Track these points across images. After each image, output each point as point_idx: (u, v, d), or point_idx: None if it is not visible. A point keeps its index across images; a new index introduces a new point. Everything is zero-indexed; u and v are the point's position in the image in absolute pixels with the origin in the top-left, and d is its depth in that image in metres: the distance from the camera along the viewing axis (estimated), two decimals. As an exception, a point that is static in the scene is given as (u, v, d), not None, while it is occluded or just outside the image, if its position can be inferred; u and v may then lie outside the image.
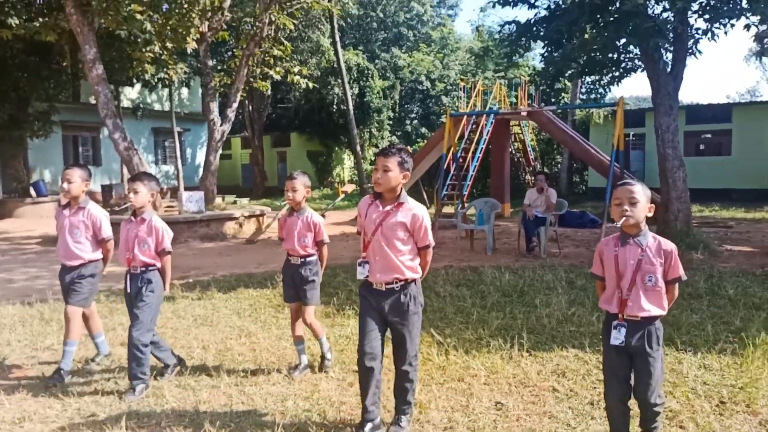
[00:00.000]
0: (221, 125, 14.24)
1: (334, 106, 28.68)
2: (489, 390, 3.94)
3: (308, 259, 4.35)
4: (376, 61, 34.82)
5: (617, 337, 2.90)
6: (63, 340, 4.28)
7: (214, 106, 14.20)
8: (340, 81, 27.20)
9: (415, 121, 36.56)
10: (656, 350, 2.89)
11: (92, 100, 25.42)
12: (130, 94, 27.20)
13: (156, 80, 19.96)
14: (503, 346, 4.71)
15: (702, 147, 23.02)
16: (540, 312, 5.72)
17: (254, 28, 13.17)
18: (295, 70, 14.91)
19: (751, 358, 4.26)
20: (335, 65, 27.80)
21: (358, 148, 27.06)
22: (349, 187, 14.47)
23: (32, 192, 20.57)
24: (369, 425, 3.26)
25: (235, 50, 14.99)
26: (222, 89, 15.30)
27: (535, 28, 10.41)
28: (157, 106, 28.17)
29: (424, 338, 4.92)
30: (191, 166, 29.96)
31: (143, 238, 3.94)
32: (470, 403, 3.72)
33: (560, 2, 10.34)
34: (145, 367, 3.89)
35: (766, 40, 25.72)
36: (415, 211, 3.27)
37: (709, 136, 22.46)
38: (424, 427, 3.41)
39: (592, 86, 12.61)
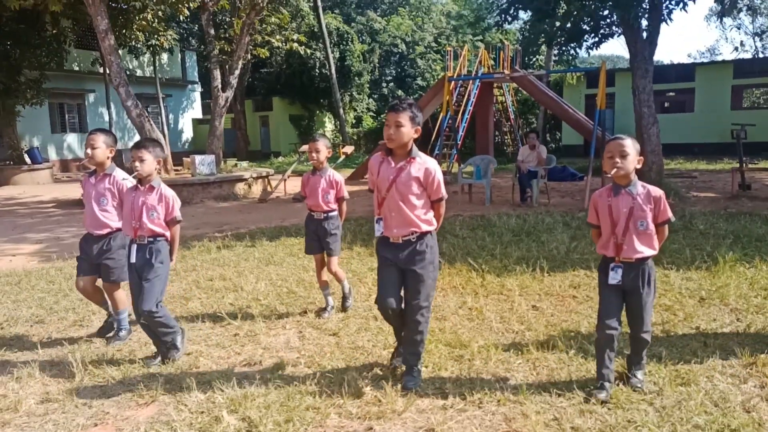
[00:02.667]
0: (224, 92, 14.93)
1: (316, 71, 29.22)
2: (524, 299, 5.10)
3: (330, 214, 4.69)
4: (352, 24, 35.20)
5: (614, 277, 3.19)
6: (113, 312, 4.38)
7: (217, 74, 14.85)
8: (321, 45, 27.74)
9: (392, 84, 37.27)
10: (649, 287, 3.20)
11: (75, 67, 25.73)
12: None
13: (147, 47, 20.33)
14: (526, 270, 5.89)
15: (667, 105, 24.51)
16: (548, 245, 6.94)
17: (255, -3, 13.78)
18: (294, 37, 15.61)
19: (721, 271, 5.54)
20: (315, 29, 28.30)
21: (341, 111, 27.81)
22: (349, 149, 15.34)
23: (27, 159, 20.94)
24: (399, 359, 3.60)
25: (233, 18, 15.50)
26: (224, 57, 15.90)
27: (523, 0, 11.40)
28: (138, 72, 28.30)
29: (461, 267, 6.07)
30: (174, 132, 30.31)
31: (152, 206, 3.71)
32: (513, 307, 4.88)
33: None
34: (170, 326, 3.77)
35: (726, 1, 27.12)
36: (428, 165, 3.32)
37: (673, 94, 23.92)
38: (484, 323, 4.55)
39: (564, 49, 13.59)
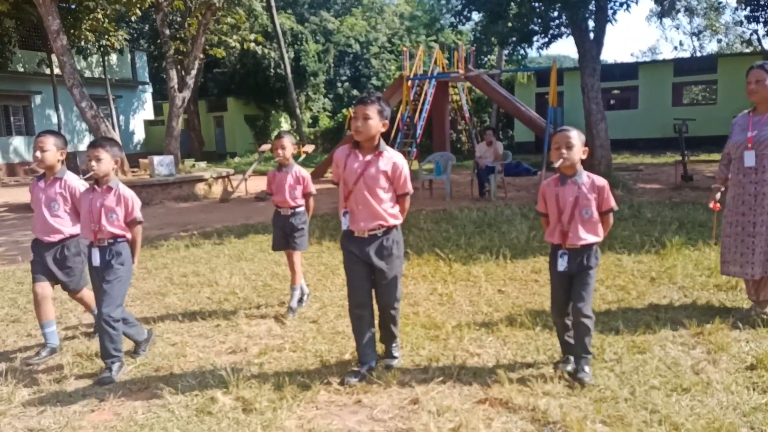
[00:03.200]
0: (181, 92, 14.83)
1: (271, 70, 29.15)
2: (490, 284, 5.39)
3: (297, 209, 4.75)
4: (306, 24, 35.25)
5: (562, 264, 3.30)
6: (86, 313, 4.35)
7: (173, 74, 14.75)
8: (275, 45, 27.69)
9: (347, 84, 37.50)
10: (591, 270, 3.30)
11: (20, 68, 24.93)
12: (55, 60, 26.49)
13: (97, 48, 19.93)
14: (490, 258, 6.20)
15: (612, 102, 25.49)
16: (509, 235, 7.28)
17: (210, -3, 13.77)
18: (251, 37, 15.62)
19: (669, 254, 5.97)
20: (269, 29, 28.22)
21: (298, 111, 27.83)
22: (309, 148, 15.46)
23: (-30, 164, 20.25)
24: (365, 367, 3.45)
25: (188, 19, 15.41)
26: (179, 57, 15.78)
27: (477, 3, 11.78)
28: (87, 73, 27.61)
29: (429, 257, 6.33)
30: (126, 133, 29.68)
31: (111, 208, 3.58)
32: (480, 292, 5.17)
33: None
34: (119, 344, 3.59)
35: (665, 2, 28.39)
36: (395, 159, 3.36)
37: (618, 92, 24.91)
38: (455, 306, 4.81)
39: (514, 49, 14.11)
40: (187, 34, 15.87)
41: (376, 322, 3.59)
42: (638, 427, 2.75)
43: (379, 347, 3.70)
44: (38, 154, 3.84)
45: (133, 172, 15.25)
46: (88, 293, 4.15)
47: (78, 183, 4.01)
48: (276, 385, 3.34)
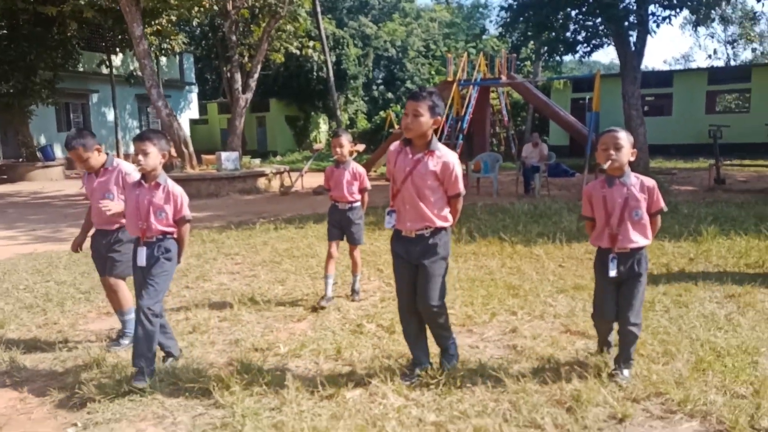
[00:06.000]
0: (244, 94, 16.05)
1: (313, 73, 30.40)
2: (551, 261, 6.38)
3: (354, 204, 4.94)
4: (345, 29, 36.48)
5: (613, 268, 3.22)
6: (119, 311, 4.10)
7: (238, 77, 15.97)
8: (318, 49, 28.94)
9: (382, 87, 38.65)
10: (642, 275, 3.25)
11: (80, 68, 26.51)
12: (115, 61, 28.06)
13: (159, 50, 21.34)
14: (548, 241, 7.19)
15: (647, 108, 26.15)
16: (561, 224, 8.26)
17: (275, 6, 14.95)
18: (310, 44, 16.82)
19: (705, 241, 6.90)
20: (312, 34, 29.46)
21: (338, 112, 29.04)
22: (360, 147, 16.52)
23: (40, 156, 21.79)
24: (417, 369, 3.38)
25: (252, 26, 16.66)
26: (243, 61, 17.04)
27: (526, 14, 12.77)
28: (138, 74, 29.11)
29: (493, 240, 7.34)
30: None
31: (159, 205, 3.43)
32: (544, 266, 6.16)
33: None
34: (153, 345, 3.38)
35: (701, 12, 28.95)
36: (446, 158, 3.21)
37: (652, 98, 25.58)
38: (525, 275, 5.80)
39: (550, 56, 15.04)
40: (251, 40, 17.08)
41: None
42: (685, 347, 3.73)
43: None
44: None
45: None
46: (123, 288, 4.03)
47: (129, 174, 3.91)
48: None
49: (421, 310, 3.29)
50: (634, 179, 3.25)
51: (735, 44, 42.12)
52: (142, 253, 3.44)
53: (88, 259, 6.68)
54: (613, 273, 3.23)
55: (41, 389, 3.42)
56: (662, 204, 3.28)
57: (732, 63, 40.75)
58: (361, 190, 5.00)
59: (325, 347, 3.89)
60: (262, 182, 15.17)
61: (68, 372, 3.63)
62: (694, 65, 48.98)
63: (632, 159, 3.24)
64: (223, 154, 14.67)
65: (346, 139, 4.91)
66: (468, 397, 3.11)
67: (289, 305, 4.95)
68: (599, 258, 3.35)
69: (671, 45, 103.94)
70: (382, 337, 4.08)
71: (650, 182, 3.27)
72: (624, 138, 3.19)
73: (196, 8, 17.01)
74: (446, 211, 3.28)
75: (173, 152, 15.34)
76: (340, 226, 4.98)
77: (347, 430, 2.75)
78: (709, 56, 48.92)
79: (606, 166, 3.19)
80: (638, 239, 3.23)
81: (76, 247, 4.27)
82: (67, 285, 5.79)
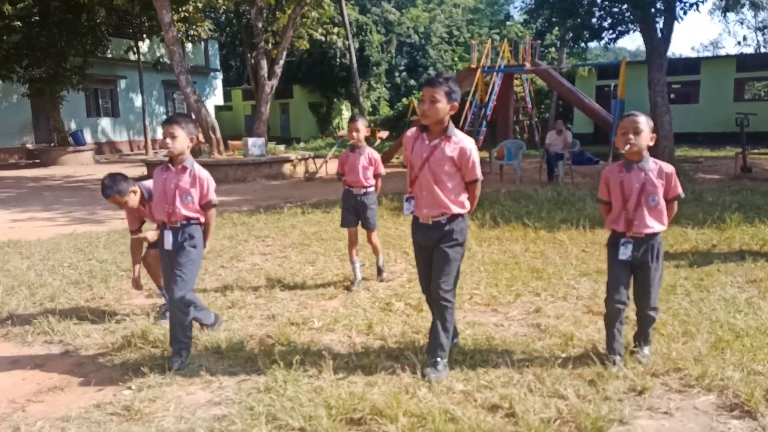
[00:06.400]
0: (270, 80, 16.26)
1: (336, 60, 30.52)
2: (574, 246, 6.49)
3: (368, 189, 5.00)
4: (368, 15, 36.49)
5: (625, 252, 3.23)
6: (159, 286, 4.46)
7: (264, 63, 16.19)
8: (342, 35, 29.04)
9: (404, 74, 38.65)
10: (657, 262, 3.26)
11: (108, 54, 26.97)
12: (141, 48, 28.46)
13: (186, 37, 21.66)
14: (571, 227, 7.30)
15: (673, 96, 25.82)
16: (584, 211, 8.35)
17: (301, -6, 15.10)
18: (335, 30, 16.93)
19: (728, 228, 6.96)
20: (335, 20, 29.57)
21: (361, 99, 29.15)
22: (384, 134, 16.69)
23: (71, 141, 22.32)
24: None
25: (278, 13, 16.83)
26: (271, 49, 17.24)
27: (551, 1, 12.75)
28: (165, 59, 29.53)
29: (517, 225, 7.47)
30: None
31: (186, 189, 3.44)
32: (567, 251, 6.29)
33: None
34: (189, 330, 3.52)
35: (730, -2, 28.39)
36: (464, 144, 3.19)
37: (679, 86, 25.25)
38: (549, 259, 5.93)
39: (575, 43, 14.99)
40: (277, 26, 17.26)
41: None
42: (705, 327, 3.86)
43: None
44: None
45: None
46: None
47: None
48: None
49: (431, 294, 3.31)
50: (652, 164, 3.24)
51: (765, 30, 41.17)
52: (169, 237, 3.48)
53: (126, 239, 7.04)
54: (623, 257, 3.25)
55: (95, 357, 3.69)
56: (680, 190, 3.28)
57: (762, 50, 39.90)
58: (376, 176, 5.05)
59: (356, 323, 4.10)
60: (287, 168, 15.41)
61: (118, 342, 3.88)
62: (723, 52, 47.98)
63: (651, 144, 3.21)
64: (250, 140, 14.93)
65: (362, 124, 4.95)
66: (494, 369, 3.28)
67: (321, 284, 5.16)
68: (612, 241, 3.37)
69: (700, 31, 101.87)
70: (411, 315, 4.27)
71: (668, 168, 3.26)
72: (643, 122, 3.16)
73: (223, -5, 17.25)
74: (463, 198, 3.28)
75: (201, 137, 15.69)
76: (355, 211, 5.03)
77: (382, 395, 2.94)
78: (739, 43, 47.87)
79: (625, 150, 3.18)
80: (654, 225, 3.23)
81: (137, 285, 4.37)
82: (108, 263, 6.08)
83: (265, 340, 3.80)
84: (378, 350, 3.62)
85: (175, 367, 3.38)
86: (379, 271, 5.29)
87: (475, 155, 3.22)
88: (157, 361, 3.49)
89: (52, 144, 22.59)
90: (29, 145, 23.57)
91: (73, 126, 24.65)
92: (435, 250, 3.27)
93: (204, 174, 3.52)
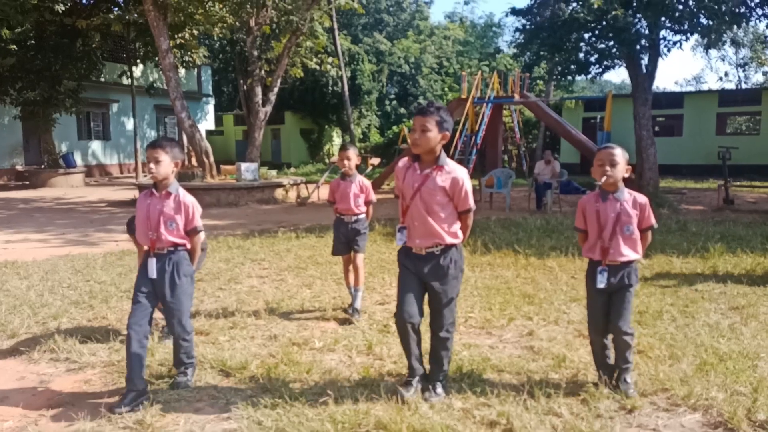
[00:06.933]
0: (264, 107, 16.51)
1: (328, 88, 30.96)
2: (564, 273, 6.68)
3: (359, 216, 5.05)
4: (359, 44, 37.14)
5: (601, 280, 3.31)
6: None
7: (258, 91, 16.46)
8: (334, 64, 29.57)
9: (394, 102, 39.20)
10: (631, 287, 3.35)
11: (102, 79, 27.17)
12: (135, 72, 28.63)
13: (181, 63, 21.92)
14: (561, 255, 7.50)
15: (657, 129, 26.44)
16: (573, 239, 8.56)
17: (297, 24, 15.46)
18: (329, 60, 17.30)
19: (711, 257, 7.20)
20: (328, 49, 30.09)
21: (352, 126, 29.54)
22: (376, 160, 16.95)
23: (62, 163, 22.35)
24: (416, 379, 3.34)
25: (273, 42, 17.18)
26: (265, 76, 17.54)
27: (540, 36, 13.17)
28: (158, 84, 29.77)
29: (507, 252, 7.66)
30: (190, 142, 31.82)
31: (170, 215, 3.37)
32: (557, 277, 6.47)
33: (561, 15, 13.10)
34: (192, 351, 3.58)
35: (712, 36, 29.32)
36: (456, 174, 3.18)
37: (663, 119, 25.88)
38: (539, 285, 6.11)
39: (563, 76, 15.48)
40: (271, 55, 17.59)
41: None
42: (690, 351, 4.03)
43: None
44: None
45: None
46: None
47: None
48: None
49: (432, 331, 3.33)
50: (627, 195, 3.34)
51: (746, 67, 42.41)
52: (153, 265, 3.38)
53: (123, 261, 7.15)
54: (601, 285, 3.33)
55: (102, 374, 3.78)
56: (653, 220, 3.39)
57: (743, 86, 41.03)
58: (367, 203, 5.11)
59: (356, 343, 4.23)
60: (279, 193, 15.58)
61: (124, 360, 3.97)
62: (705, 87, 49.33)
63: (627, 176, 3.32)
64: (243, 165, 15.11)
65: (353, 152, 5.02)
66: (490, 388, 3.42)
67: (319, 307, 5.29)
68: (590, 270, 3.45)
69: (683, 66, 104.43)
70: (408, 337, 4.41)
71: (642, 199, 3.38)
72: (619, 155, 3.27)
73: (220, 23, 17.60)
74: (456, 227, 3.26)
75: (194, 161, 15.82)
76: (347, 239, 5.06)
77: (384, 410, 3.07)
78: (720, 78, 49.28)
79: (602, 181, 3.27)
80: (628, 253, 3.32)
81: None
82: (107, 284, 6.16)
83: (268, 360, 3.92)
84: (378, 369, 3.75)
85: (181, 385, 3.47)
86: (354, 310, 4.98)
87: (467, 185, 3.24)
88: (164, 379, 3.59)
89: (42, 166, 22.62)
90: (19, 167, 23.57)
91: (63, 148, 24.70)
92: (430, 288, 3.25)
93: (189, 200, 3.45)
